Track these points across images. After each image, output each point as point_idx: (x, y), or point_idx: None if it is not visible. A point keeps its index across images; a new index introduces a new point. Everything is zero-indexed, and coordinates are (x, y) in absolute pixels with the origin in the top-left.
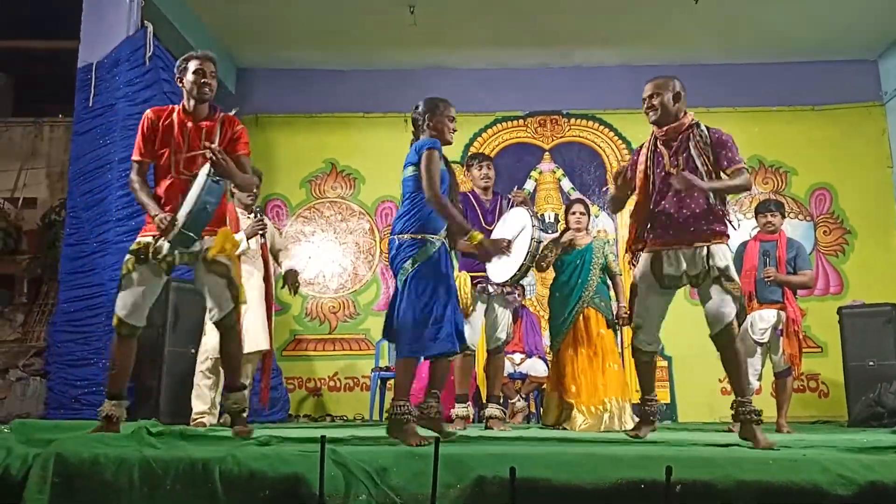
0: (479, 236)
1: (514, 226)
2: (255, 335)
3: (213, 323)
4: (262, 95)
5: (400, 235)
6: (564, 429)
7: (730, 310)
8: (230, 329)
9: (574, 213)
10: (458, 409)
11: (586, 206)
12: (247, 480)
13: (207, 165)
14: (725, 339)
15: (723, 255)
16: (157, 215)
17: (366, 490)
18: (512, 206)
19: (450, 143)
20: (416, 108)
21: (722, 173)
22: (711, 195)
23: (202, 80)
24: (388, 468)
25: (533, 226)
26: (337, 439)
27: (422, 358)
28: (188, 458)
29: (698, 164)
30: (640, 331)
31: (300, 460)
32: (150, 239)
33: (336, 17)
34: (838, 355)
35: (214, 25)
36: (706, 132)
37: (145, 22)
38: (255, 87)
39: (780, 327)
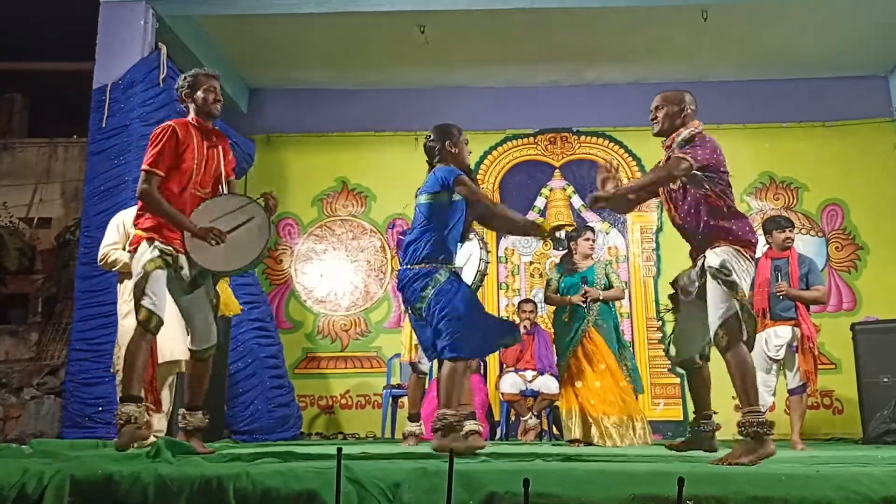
0: (547, 225)
1: (464, 252)
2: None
3: (195, 351)
4: (274, 115)
5: (412, 266)
6: (590, 444)
7: (717, 313)
8: (208, 360)
9: (588, 240)
10: (412, 427)
11: (594, 234)
12: (261, 498)
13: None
14: (719, 345)
15: (718, 254)
16: (202, 227)
17: None
18: None
19: (469, 167)
20: (429, 137)
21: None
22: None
23: (214, 97)
24: (401, 484)
25: (480, 248)
26: (350, 456)
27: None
28: (202, 475)
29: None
30: (672, 346)
31: (314, 477)
32: (170, 250)
33: (347, 38)
34: (852, 372)
35: (227, 46)
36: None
37: (159, 44)
38: (268, 107)
39: (795, 344)
